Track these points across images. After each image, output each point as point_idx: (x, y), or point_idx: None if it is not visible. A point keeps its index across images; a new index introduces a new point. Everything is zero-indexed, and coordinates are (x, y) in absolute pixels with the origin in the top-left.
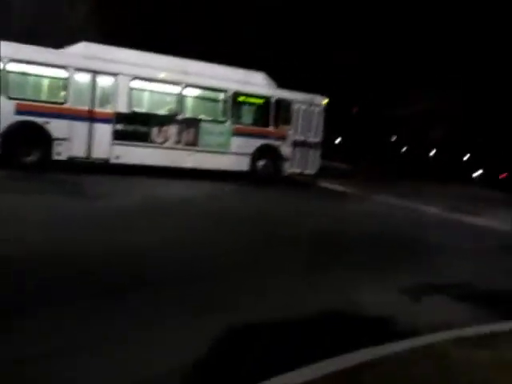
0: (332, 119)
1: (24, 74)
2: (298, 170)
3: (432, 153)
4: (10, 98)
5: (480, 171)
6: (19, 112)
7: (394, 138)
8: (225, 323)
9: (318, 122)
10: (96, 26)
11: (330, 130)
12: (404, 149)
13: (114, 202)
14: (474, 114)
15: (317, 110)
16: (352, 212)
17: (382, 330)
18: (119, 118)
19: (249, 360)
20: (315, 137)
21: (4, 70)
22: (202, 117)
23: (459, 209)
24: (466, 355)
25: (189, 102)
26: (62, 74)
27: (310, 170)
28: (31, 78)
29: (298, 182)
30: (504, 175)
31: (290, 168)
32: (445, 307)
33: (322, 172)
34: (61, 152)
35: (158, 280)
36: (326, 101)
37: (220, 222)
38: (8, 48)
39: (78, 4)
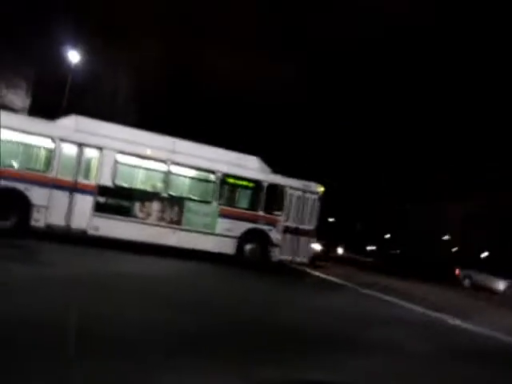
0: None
1: None
2: (288, 257)
3: None
4: None
5: None
6: None
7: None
8: None
9: (312, 209)
10: None
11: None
12: None
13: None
14: None
15: (312, 197)
16: (305, 308)
17: None
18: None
19: None
20: (309, 224)
21: None
22: (187, 195)
23: None
24: None
25: (175, 180)
26: None
27: (302, 258)
28: None
29: (287, 269)
30: None
31: (280, 254)
32: None
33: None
34: None
35: None
36: (322, 189)
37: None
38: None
39: None
